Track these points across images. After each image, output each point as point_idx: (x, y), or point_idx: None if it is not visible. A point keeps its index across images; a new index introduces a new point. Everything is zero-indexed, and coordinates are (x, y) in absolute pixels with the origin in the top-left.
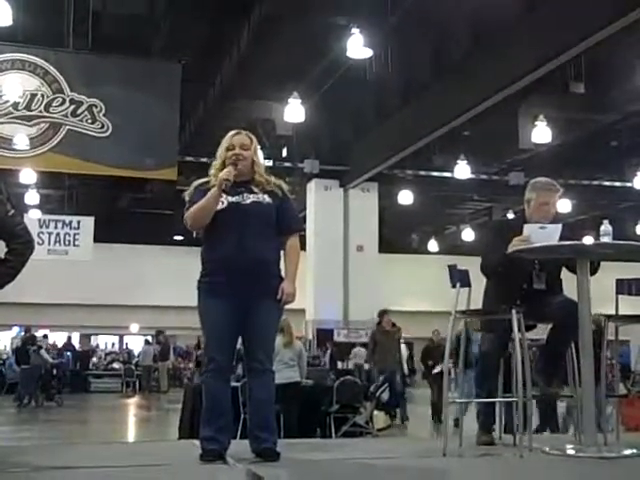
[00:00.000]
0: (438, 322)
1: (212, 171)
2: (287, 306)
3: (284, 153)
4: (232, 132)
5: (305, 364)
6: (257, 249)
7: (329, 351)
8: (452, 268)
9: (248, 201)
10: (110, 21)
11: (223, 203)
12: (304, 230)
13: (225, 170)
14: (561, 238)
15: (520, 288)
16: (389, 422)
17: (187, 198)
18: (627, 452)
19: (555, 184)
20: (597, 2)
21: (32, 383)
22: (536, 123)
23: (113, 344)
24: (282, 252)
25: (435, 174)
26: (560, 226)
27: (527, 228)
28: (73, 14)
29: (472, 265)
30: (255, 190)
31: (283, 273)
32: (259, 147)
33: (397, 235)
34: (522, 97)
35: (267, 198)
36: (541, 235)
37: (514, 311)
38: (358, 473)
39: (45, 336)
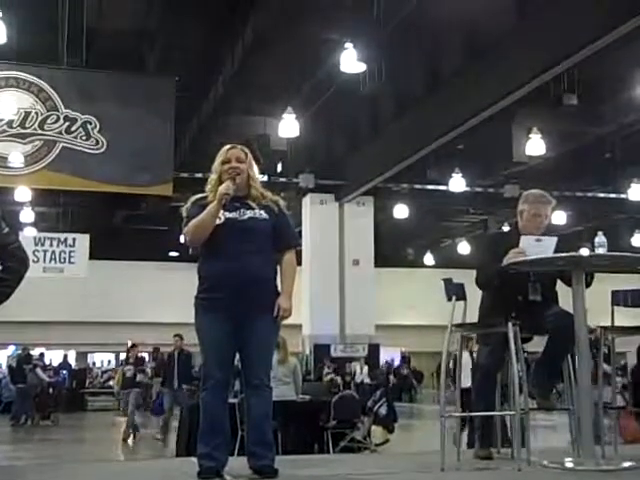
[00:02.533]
0: (434, 336)
1: (209, 186)
2: (283, 321)
3: (279, 168)
4: (227, 146)
5: (300, 381)
6: (255, 265)
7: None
8: (448, 282)
9: (245, 217)
10: (104, 38)
11: (221, 219)
12: (301, 246)
13: (224, 184)
14: (556, 250)
15: (516, 300)
16: (387, 437)
17: (185, 214)
18: (626, 465)
19: (547, 196)
20: (590, 15)
21: (28, 402)
22: (530, 136)
23: (109, 362)
24: (278, 267)
25: (430, 187)
26: (555, 239)
27: (523, 240)
28: (67, 31)
29: (468, 278)
30: (252, 205)
31: (279, 288)
32: (254, 162)
33: (393, 249)
34: (516, 110)
35: (264, 214)
36: (537, 247)
37: (510, 324)
38: None
39: (41, 354)
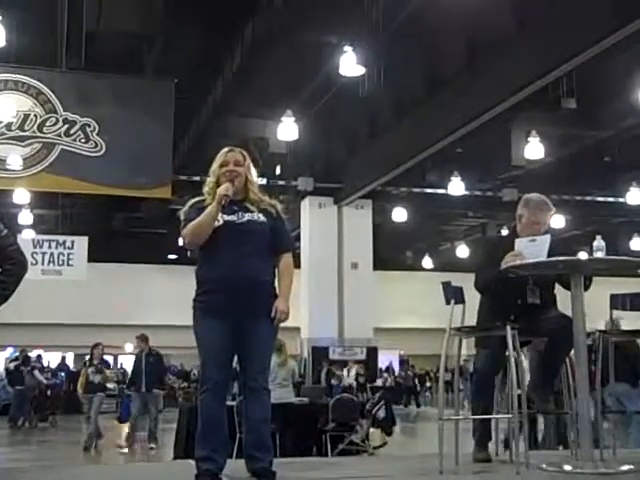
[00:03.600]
0: (433, 339)
1: (206, 189)
2: (282, 324)
3: (278, 171)
4: (225, 149)
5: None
6: (253, 268)
7: (325, 370)
8: (446, 285)
9: (244, 220)
10: (103, 40)
11: (219, 221)
12: (296, 249)
13: (223, 186)
14: (553, 253)
15: (514, 303)
16: (385, 440)
17: (182, 217)
18: (624, 468)
19: (548, 203)
20: (588, 19)
21: (26, 404)
22: (529, 139)
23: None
24: (276, 270)
25: (429, 191)
26: (548, 237)
27: (518, 243)
28: (66, 34)
29: (467, 281)
30: (250, 208)
31: (277, 291)
32: (252, 165)
33: (391, 252)
34: (515, 113)
35: (262, 217)
36: (532, 247)
37: (508, 327)
38: None
39: (38, 356)
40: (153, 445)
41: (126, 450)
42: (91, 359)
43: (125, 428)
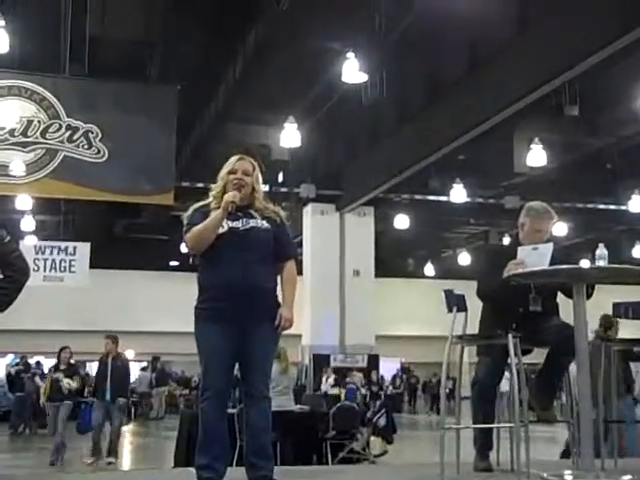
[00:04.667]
0: (435, 347)
1: (213, 192)
2: (284, 332)
3: (280, 178)
4: (236, 157)
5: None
6: (257, 275)
7: (330, 379)
8: (448, 293)
9: (248, 226)
10: (106, 47)
11: (223, 227)
12: (299, 256)
13: (231, 193)
14: (556, 261)
15: (516, 312)
16: (386, 448)
17: (186, 221)
18: (625, 478)
19: (550, 211)
20: (591, 27)
21: (26, 411)
22: (531, 146)
23: None
24: (278, 278)
25: (431, 198)
26: (551, 245)
27: (520, 251)
28: (69, 40)
29: (469, 289)
30: (255, 215)
31: (280, 299)
32: (260, 174)
33: (393, 259)
34: (517, 121)
35: (265, 224)
36: (534, 256)
37: (510, 335)
38: None
39: (37, 363)
40: (112, 460)
41: (91, 463)
42: (58, 364)
43: (87, 440)
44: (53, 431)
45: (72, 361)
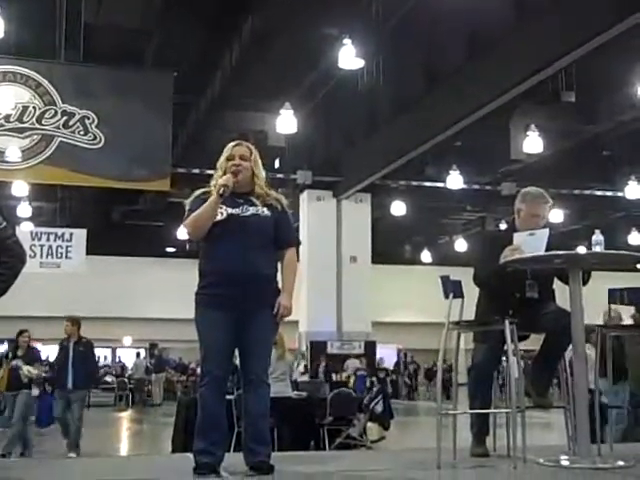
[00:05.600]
0: (431, 333)
1: (213, 182)
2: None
3: (277, 164)
4: (232, 143)
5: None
6: (257, 262)
7: (323, 364)
8: (445, 279)
9: (248, 213)
10: (102, 33)
11: (223, 214)
12: (300, 244)
13: (224, 177)
14: (552, 247)
15: (513, 298)
16: (383, 434)
17: (187, 207)
18: (621, 463)
19: (545, 195)
20: (587, 12)
21: None
22: (528, 133)
23: (105, 357)
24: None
25: (428, 184)
26: (547, 230)
27: (517, 237)
28: (65, 26)
29: (465, 275)
30: (255, 202)
31: (280, 286)
32: (259, 159)
33: (390, 246)
34: (513, 107)
35: (266, 211)
36: (531, 241)
37: (507, 322)
38: None
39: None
40: (73, 455)
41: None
42: (15, 349)
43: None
44: (9, 422)
45: (32, 346)
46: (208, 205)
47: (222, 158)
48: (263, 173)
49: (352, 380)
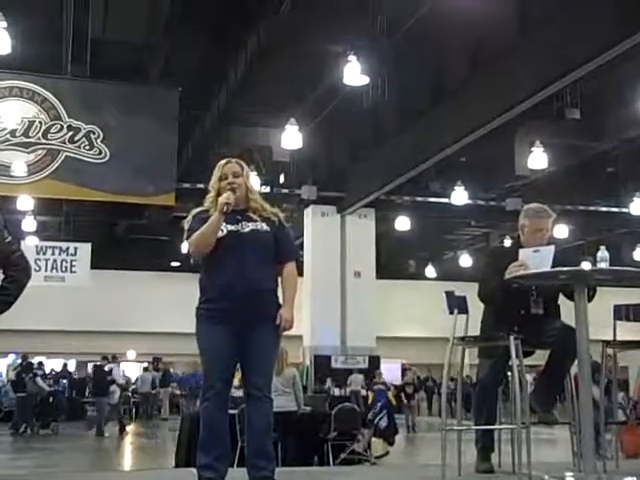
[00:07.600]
0: (436, 348)
1: (207, 203)
2: (285, 332)
3: (281, 179)
4: (222, 162)
5: (301, 392)
6: (257, 277)
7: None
8: (449, 294)
9: (247, 229)
10: (108, 48)
11: (223, 231)
12: (300, 257)
13: (225, 194)
14: (557, 263)
15: (518, 314)
16: (387, 449)
17: (186, 227)
18: (627, 479)
19: (547, 209)
20: (593, 30)
21: (28, 411)
22: (532, 149)
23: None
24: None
25: (432, 200)
26: (553, 247)
27: (522, 253)
28: (71, 41)
29: (470, 291)
30: (253, 218)
31: (280, 300)
32: (251, 173)
33: (394, 261)
34: (519, 123)
35: (265, 226)
36: (536, 258)
37: (512, 337)
38: None
39: (40, 363)
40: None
41: None
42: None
43: None
44: None
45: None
46: (210, 224)
47: (214, 179)
48: (256, 186)
49: (371, 396)
